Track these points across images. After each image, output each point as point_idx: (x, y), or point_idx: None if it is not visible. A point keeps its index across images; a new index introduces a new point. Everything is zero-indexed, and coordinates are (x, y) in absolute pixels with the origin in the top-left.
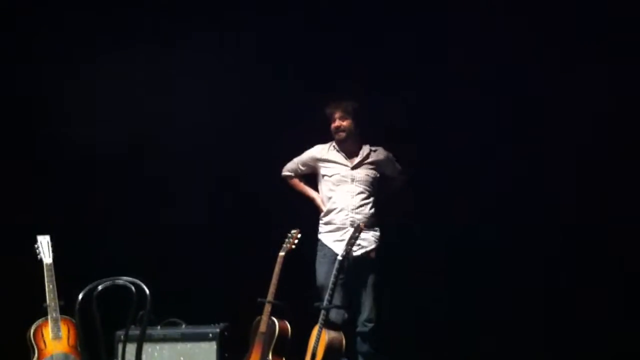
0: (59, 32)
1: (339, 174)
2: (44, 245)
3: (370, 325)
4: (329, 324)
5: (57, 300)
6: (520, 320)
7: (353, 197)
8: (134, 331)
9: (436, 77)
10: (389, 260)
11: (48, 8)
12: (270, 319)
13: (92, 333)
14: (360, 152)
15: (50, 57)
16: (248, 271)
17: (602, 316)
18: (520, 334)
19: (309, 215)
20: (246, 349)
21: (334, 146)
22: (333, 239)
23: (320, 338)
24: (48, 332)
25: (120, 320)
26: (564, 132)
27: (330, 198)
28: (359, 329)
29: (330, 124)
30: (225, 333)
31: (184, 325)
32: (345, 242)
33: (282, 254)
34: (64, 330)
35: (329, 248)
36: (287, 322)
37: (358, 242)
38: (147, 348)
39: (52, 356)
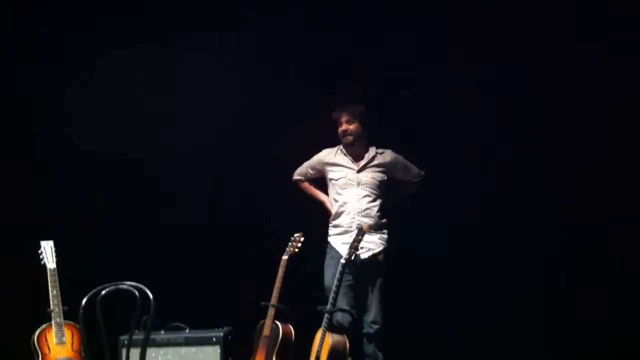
0: (59, 32)
1: (345, 177)
2: (47, 250)
3: (376, 327)
4: (332, 327)
5: (61, 306)
6: (520, 320)
7: (359, 201)
8: (138, 336)
9: (436, 77)
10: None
11: (48, 8)
12: (274, 322)
13: (96, 338)
14: (366, 155)
15: (50, 57)
16: (251, 275)
17: (602, 316)
18: (520, 334)
19: (311, 216)
20: (250, 352)
21: (341, 150)
22: (341, 241)
23: (324, 341)
24: (52, 337)
25: (124, 325)
26: (564, 132)
27: (337, 201)
28: (365, 330)
29: (337, 128)
30: (229, 337)
31: (187, 330)
32: (374, 243)
33: (285, 257)
34: (68, 335)
35: (337, 251)
36: (290, 326)
37: (364, 245)
38: (151, 353)
39: None
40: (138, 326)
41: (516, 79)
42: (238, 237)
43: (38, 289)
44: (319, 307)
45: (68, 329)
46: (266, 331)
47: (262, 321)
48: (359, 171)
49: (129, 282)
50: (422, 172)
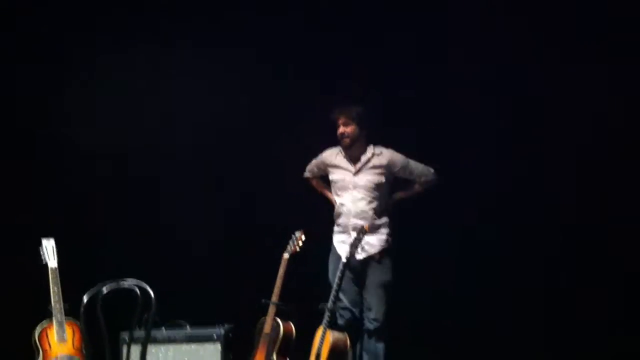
0: (59, 32)
1: (343, 179)
2: (48, 248)
3: (376, 324)
4: (333, 325)
5: (62, 303)
6: (520, 320)
7: (354, 203)
8: (139, 333)
9: (436, 77)
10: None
11: (48, 8)
12: (274, 320)
13: (97, 335)
14: (363, 157)
15: (50, 57)
16: (252, 272)
17: (602, 316)
18: (520, 334)
19: (312, 214)
20: (251, 350)
21: (341, 151)
22: (339, 240)
23: (324, 339)
24: (53, 334)
25: (125, 322)
26: (564, 132)
27: (337, 201)
28: (365, 326)
29: (336, 130)
30: (230, 334)
31: (188, 327)
32: (347, 245)
33: (286, 255)
34: (69, 332)
35: (336, 249)
36: (291, 323)
37: (363, 245)
38: (152, 350)
39: (56, 358)
40: (139, 323)
41: (516, 79)
42: (239, 235)
43: (39, 287)
44: (320, 305)
45: (69, 326)
46: (267, 329)
47: (263, 318)
48: (355, 174)
49: (130, 280)
50: (432, 170)
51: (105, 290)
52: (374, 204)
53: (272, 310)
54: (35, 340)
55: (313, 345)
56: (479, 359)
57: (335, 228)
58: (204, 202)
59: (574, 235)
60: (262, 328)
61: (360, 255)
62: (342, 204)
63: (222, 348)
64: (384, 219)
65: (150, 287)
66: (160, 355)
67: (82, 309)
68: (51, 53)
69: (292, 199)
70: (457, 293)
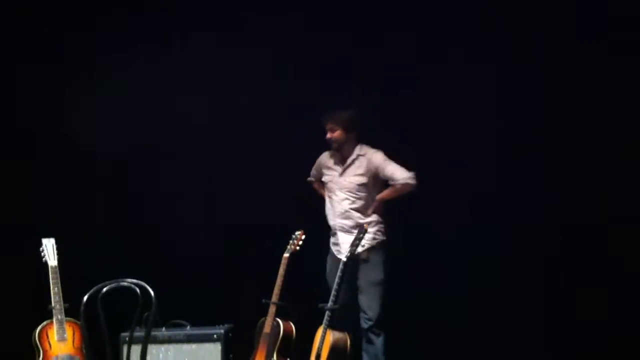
0: (59, 32)
1: (331, 181)
2: (48, 248)
3: (370, 323)
4: (333, 325)
5: (62, 303)
6: (520, 320)
7: (339, 204)
8: (139, 333)
9: (436, 77)
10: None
11: (48, 8)
12: (274, 320)
13: (98, 335)
14: (349, 159)
15: (50, 57)
16: (252, 272)
17: (602, 316)
18: (520, 334)
19: (312, 214)
20: (251, 350)
21: (333, 154)
22: (332, 241)
23: (324, 339)
24: (53, 334)
25: (126, 322)
26: (564, 132)
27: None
28: (361, 325)
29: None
30: (230, 334)
31: (188, 327)
32: (337, 246)
33: (286, 255)
34: (69, 332)
35: (331, 249)
36: (291, 323)
37: (348, 246)
38: (152, 349)
39: (56, 357)
40: (139, 323)
41: (516, 79)
42: (239, 235)
43: (39, 286)
44: (320, 305)
45: (69, 326)
46: (267, 328)
47: (263, 318)
48: (340, 175)
49: (130, 279)
50: (409, 175)
51: (105, 289)
52: (358, 204)
53: (272, 310)
54: (35, 340)
55: (313, 345)
56: (479, 359)
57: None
58: (204, 202)
59: (574, 235)
60: (262, 328)
61: (342, 256)
62: (329, 205)
63: (222, 348)
64: (371, 219)
65: (151, 287)
66: (161, 355)
67: (82, 308)
68: (51, 53)
69: (292, 199)
70: (457, 293)
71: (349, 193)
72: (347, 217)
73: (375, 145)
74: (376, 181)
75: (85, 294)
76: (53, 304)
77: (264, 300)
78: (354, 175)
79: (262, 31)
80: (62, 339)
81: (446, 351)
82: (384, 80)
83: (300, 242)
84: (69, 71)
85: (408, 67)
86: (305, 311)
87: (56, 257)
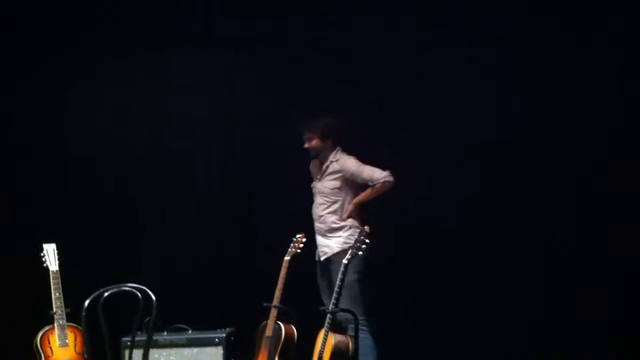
0: (59, 32)
1: (313, 187)
2: (49, 253)
3: (350, 325)
4: (335, 328)
5: (63, 308)
6: (520, 320)
7: (317, 208)
8: (141, 337)
9: (435, 76)
10: (389, 261)
11: (48, 8)
12: (276, 323)
13: (99, 339)
14: (324, 165)
15: (50, 57)
16: (253, 275)
17: (602, 316)
18: (520, 333)
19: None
20: (252, 353)
21: (315, 162)
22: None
23: (326, 342)
24: (55, 339)
25: (127, 326)
26: (564, 132)
27: None
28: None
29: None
30: (232, 338)
31: (190, 331)
32: (317, 249)
33: (287, 258)
34: (70, 337)
35: None
36: (293, 326)
37: (322, 248)
38: (154, 354)
39: None
40: (140, 327)
41: (516, 79)
42: (240, 238)
43: (41, 292)
44: (321, 308)
45: (71, 331)
46: (268, 332)
47: (265, 322)
48: (319, 180)
49: (131, 284)
50: (384, 174)
51: (106, 294)
52: (332, 208)
53: (273, 313)
54: (37, 345)
55: (315, 348)
56: (479, 359)
57: None
58: (206, 205)
59: (574, 235)
60: (263, 331)
61: (321, 258)
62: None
63: (223, 351)
64: (345, 223)
65: (152, 290)
66: (162, 359)
67: (83, 313)
68: (51, 53)
69: (294, 202)
70: (457, 293)
71: (324, 198)
72: (322, 222)
73: (375, 145)
74: (350, 186)
75: (86, 299)
76: (54, 309)
77: (265, 304)
78: (329, 181)
79: (261, 32)
80: (63, 344)
81: (446, 351)
82: (384, 80)
83: (301, 245)
84: (69, 71)
85: (408, 67)
86: (306, 314)
87: (57, 262)
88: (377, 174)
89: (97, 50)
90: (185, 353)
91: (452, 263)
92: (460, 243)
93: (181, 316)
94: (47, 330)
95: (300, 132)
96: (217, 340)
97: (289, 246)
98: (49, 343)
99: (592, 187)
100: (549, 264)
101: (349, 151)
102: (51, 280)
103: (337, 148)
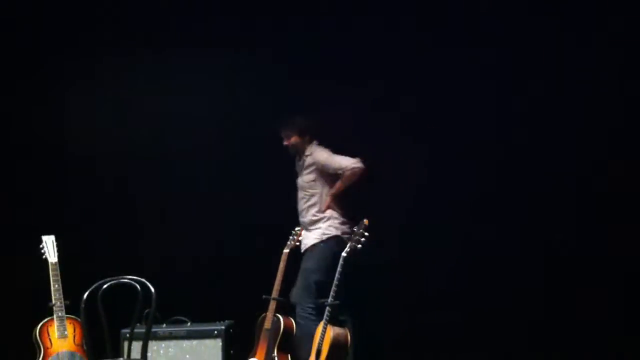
0: (58, 32)
1: (297, 182)
2: (48, 245)
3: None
4: (334, 320)
5: (62, 299)
6: (520, 319)
7: (298, 203)
8: (140, 329)
9: (434, 75)
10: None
11: (48, 8)
12: (275, 315)
13: (98, 331)
14: (302, 160)
15: (50, 57)
16: (252, 268)
17: (602, 316)
18: (520, 334)
19: None
20: (251, 345)
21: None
22: None
23: (325, 334)
24: (54, 330)
25: (126, 318)
26: (564, 132)
27: None
28: None
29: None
30: (231, 330)
31: (189, 323)
32: (309, 239)
33: (286, 251)
34: (69, 329)
35: None
36: (291, 319)
37: (304, 241)
38: (153, 346)
39: (57, 354)
40: (140, 320)
41: (516, 78)
42: (239, 231)
43: (40, 284)
44: (321, 300)
45: (70, 322)
46: (267, 324)
47: (264, 314)
48: (299, 175)
49: (130, 276)
50: (352, 161)
51: (105, 286)
52: (311, 202)
53: (272, 305)
54: (36, 337)
55: (314, 341)
56: (479, 359)
57: None
58: (206, 205)
59: (574, 235)
60: (262, 324)
61: (302, 249)
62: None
63: (222, 344)
64: (324, 214)
65: (151, 282)
66: (161, 351)
67: (82, 305)
68: (51, 53)
69: (294, 202)
70: (457, 293)
71: (303, 192)
72: (304, 216)
73: (374, 145)
74: (326, 178)
75: (85, 291)
76: (53, 301)
77: (264, 296)
78: (306, 175)
79: (260, 32)
80: (62, 335)
81: (446, 351)
82: (384, 80)
83: (300, 239)
84: (69, 71)
85: (408, 67)
86: None
87: (56, 254)
88: (345, 162)
89: (97, 50)
90: (184, 345)
91: (452, 263)
92: (460, 243)
93: (180, 308)
94: (46, 322)
95: (278, 130)
96: (216, 332)
97: (287, 239)
98: (49, 335)
99: (592, 187)
100: (549, 264)
101: (329, 146)
102: (50, 272)
103: (313, 142)
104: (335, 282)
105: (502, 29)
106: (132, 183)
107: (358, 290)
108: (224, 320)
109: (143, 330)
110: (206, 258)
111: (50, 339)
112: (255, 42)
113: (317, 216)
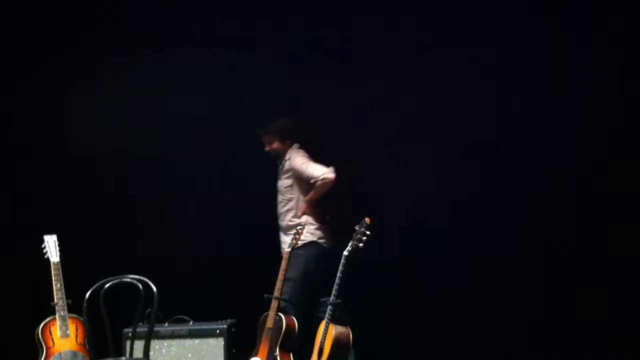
0: (58, 32)
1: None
2: (50, 244)
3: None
4: (336, 319)
5: (65, 299)
6: (520, 319)
7: (278, 206)
8: (142, 328)
9: (433, 74)
10: (388, 261)
11: (48, 8)
12: (277, 314)
13: (100, 331)
14: (281, 165)
15: (50, 57)
16: (254, 267)
17: (602, 316)
18: (520, 334)
19: None
20: (253, 345)
21: None
22: None
23: (327, 333)
24: (56, 330)
25: (128, 317)
26: (564, 132)
27: None
28: None
29: None
30: (233, 329)
31: (191, 322)
32: (286, 244)
33: (287, 249)
34: (72, 328)
35: None
36: (294, 318)
37: (282, 245)
38: (155, 345)
39: (60, 354)
40: (142, 319)
41: (515, 77)
42: (240, 229)
43: (42, 283)
44: (322, 299)
45: (72, 322)
46: (269, 323)
47: (266, 313)
48: (279, 179)
49: (132, 275)
50: (323, 172)
51: (107, 285)
52: (288, 206)
53: (274, 304)
54: (38, 337)
55: (316, 340)
56: (478, 359)
57: None
58: (206, 205)
59: (574, 235)
60: (264, 323)
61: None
62: None
63: (225, 343)
64: (301, 219)
65: (153, 282)
66: (164, 350)
67: (84, 304)
68: (51, 53)
69: None
70: (457, 292)
71: (281, 196)
72: (282, 220)
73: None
74: (302, 185)
75: (85, 291)
76: (55, 301)
77: (266, 295)
78: (284, 179)
79: (260, 32)
80: (64, 335)
81: (446, 351)
82: (384, 80)
83: (301, 237)
84: (69, 71)
85: (408, 67)
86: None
87: (58, 253)
88: (317, 172)
89: (97, 50)
90: (187, 344)
91: (452, 263)
92: (461, 243)
93: (182, 307)
94: (48, 322)
95: (260, 136)
96: (218, 331)
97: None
98: (51, 334)
99: (592, 187)
100: (549, 264)
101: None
102: (52, 272)
103: (294, 145)
104: (337, 280)
105: (502, 29)
106: (132, 183)
107: (359, 289)
108: (226, 319)
109: (145, 330)
110: (206, 258)
111: (52, 339)
112: (255, 42)
113: (294, 221)
